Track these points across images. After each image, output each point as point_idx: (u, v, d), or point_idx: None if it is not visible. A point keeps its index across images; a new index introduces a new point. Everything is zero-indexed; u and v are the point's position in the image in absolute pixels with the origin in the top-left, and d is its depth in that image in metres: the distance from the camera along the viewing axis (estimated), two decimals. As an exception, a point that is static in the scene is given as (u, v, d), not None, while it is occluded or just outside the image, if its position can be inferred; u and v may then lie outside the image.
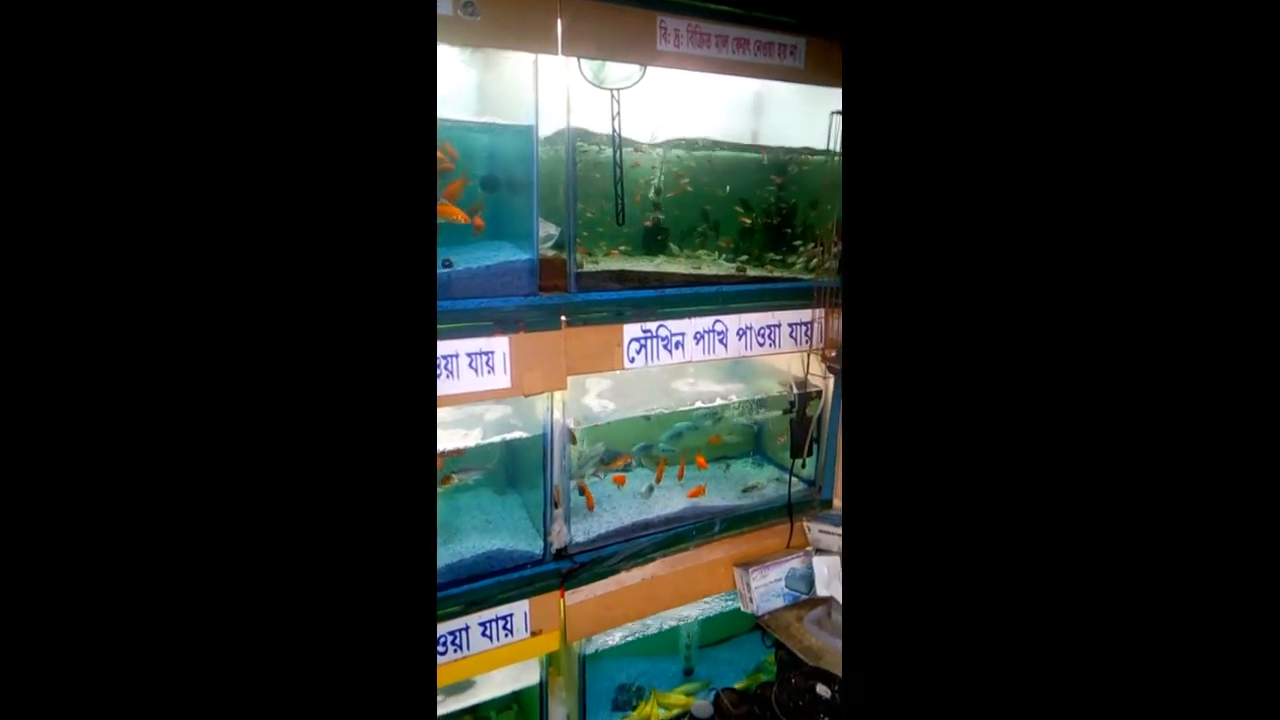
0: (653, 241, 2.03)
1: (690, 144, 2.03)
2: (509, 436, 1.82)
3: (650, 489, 2.18)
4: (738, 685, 2.20)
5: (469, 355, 1.57)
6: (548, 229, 1.70)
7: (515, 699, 2.24)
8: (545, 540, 1.86)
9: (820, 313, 2.01)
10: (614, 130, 1.71)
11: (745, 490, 2.25)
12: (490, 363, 1.59)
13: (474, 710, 2.16)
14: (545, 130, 1.62)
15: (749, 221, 2.14)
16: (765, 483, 2.31)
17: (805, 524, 2.20)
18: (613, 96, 1.68)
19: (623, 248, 1.94)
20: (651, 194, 2.00)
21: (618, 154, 1.73)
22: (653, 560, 2.02)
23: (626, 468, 2.23)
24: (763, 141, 2.17)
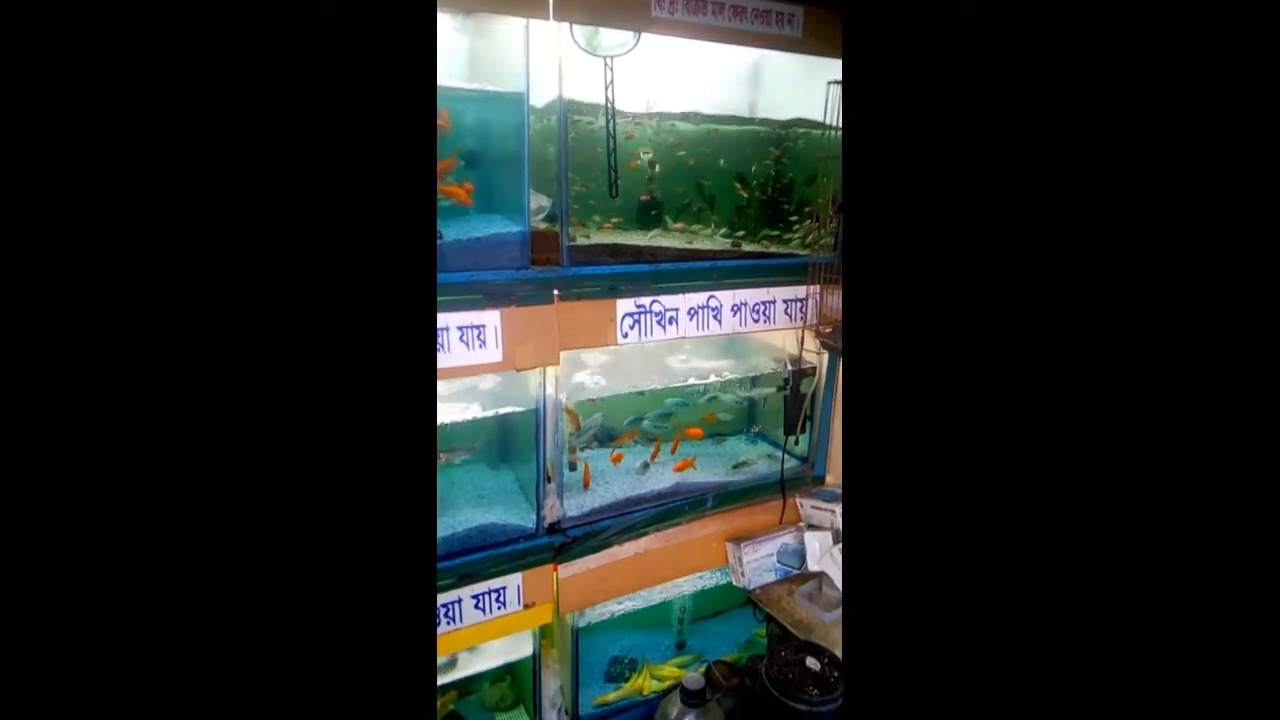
0: (647, 215, 2.00)
1: (686, 116, 2.00)
2: (501, 411, 1.82)
3: (645, 465, 2.18)
4: (729, 658, 2.23)
5: (460, 329, 1.55)
6: (539, 201, 1.68)
7: (509, 670, 2.27)
8: (538, 515, 1.86)
9: (815, 289, 1.99)
10: (607, 100, 1.67)
11: (735, 466, 2.26)
12: (481, 336, 1.58)
13: (468, 681, 2.19)
14: (537, 99, 1.59)
15: (746, 195, 2.11)
16: (756, 459, 2.32)
17: (798, 500, 2.22)
18: (606, 64, 1.64)
19: (616, 221, 1.91)
20: (646, 167, 1.97)
21: (611, 124, 1.70)
22: (645, 535, 2.03)
23: (630, 445, 2.24)
24: (760, 114, 2.13)
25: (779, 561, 2.10)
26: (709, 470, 2.24)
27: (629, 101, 1.79)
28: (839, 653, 1.64)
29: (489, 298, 1.58)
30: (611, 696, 2.23)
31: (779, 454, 2.25)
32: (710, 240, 2.05)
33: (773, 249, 2.11)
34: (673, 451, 2.26)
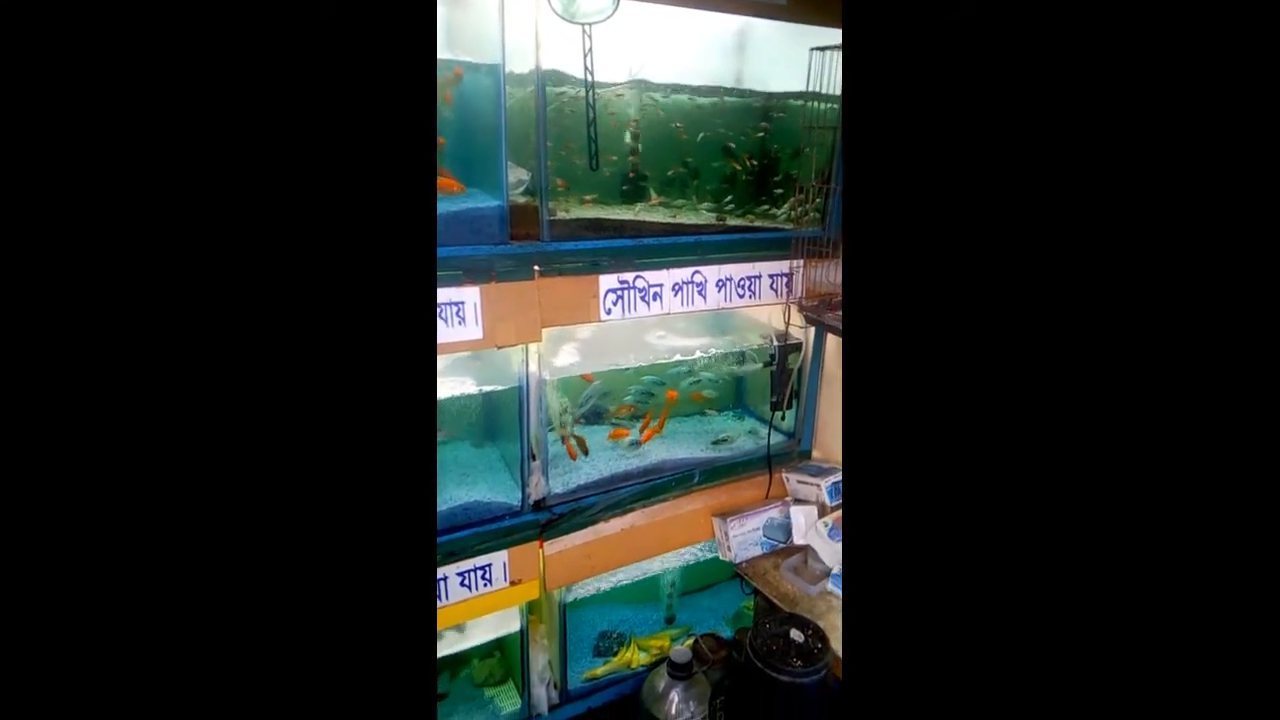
0: (629, 189, 1.97)
1: (668, 87, 1.96)
2: (484, 389, 1.80)
3: (635, 444, 2.18)
4: (717, 632, 2.25)
5: (440, 305, 1.53)
6: (518, 174, 1.64)
7: (497, 646, 2.29)
8: (523, 492, 1.86)
9: (800, 263, 1.97)
10: (586, 69, 1.63)
11: (715, 442, 2.26)
12: (461, 313, 1.56)
13: (456, 658, 2.21)
14: (513, 69, 1.55)
15: (739, 167, 2.07)
16: (736, 435, 2.32)
17: (784, 475, 2.22)
18: (584, 32, 1.60)
19: (596, 196, 1.88)
20: (628, 139, 1.93)
21: (590, 94, 1.66)
22: (632, 511, 2.04)
23: (629, 418, 2.24)
24: (745, 85, 2.09)
25: (765, 535, 2.11)
26: (696, 446, 2.25)
27: (610, 72, 1.74)
28: (823, 625, 1.66)
29: (468, 274, 1.55)
30: (600, 671, 2.25)
31: (764, 430, 2.25)
32: (695, 214, 2.02)
33: (758, 223, 2.08)
34: (658, 429, 2.25)
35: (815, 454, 2.38)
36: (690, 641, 2.07)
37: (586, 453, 2.07)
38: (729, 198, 2.08)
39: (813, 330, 2.25)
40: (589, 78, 1.65)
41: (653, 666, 2.09)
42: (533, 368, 1.78)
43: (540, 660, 2.11)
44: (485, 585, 1.82)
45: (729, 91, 2.06)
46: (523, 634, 2.03)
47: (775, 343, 2.17)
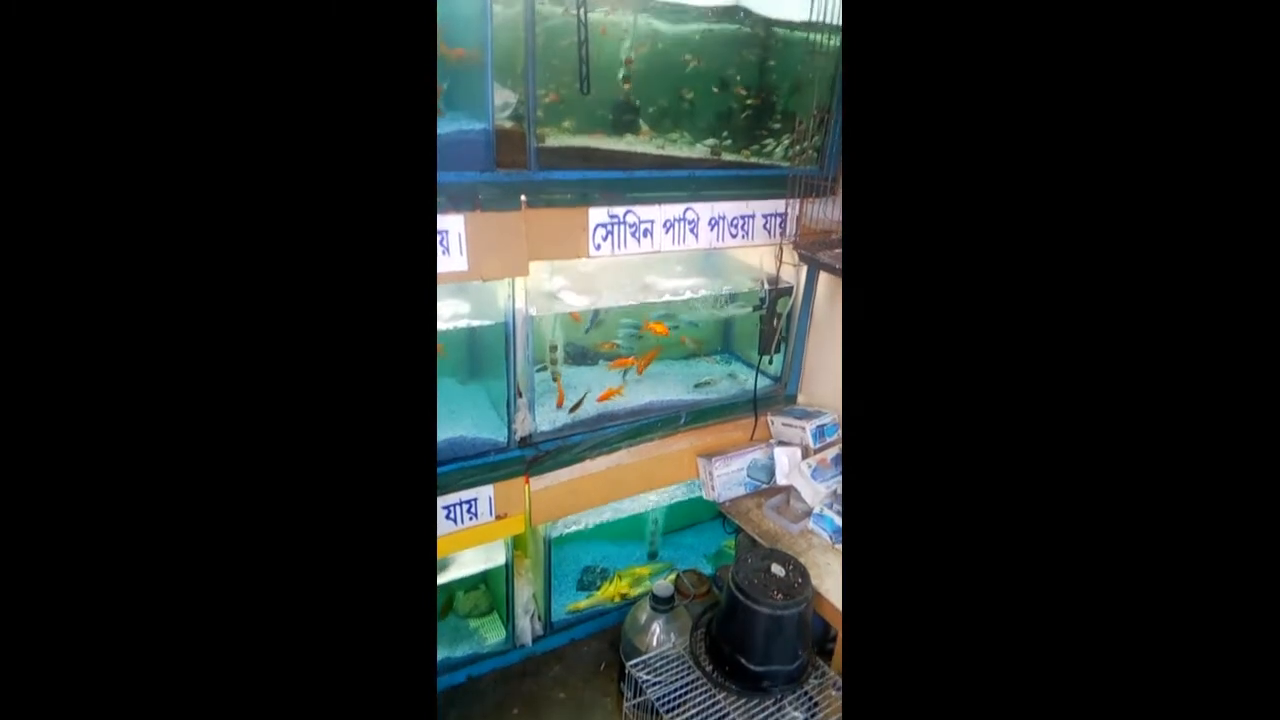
0: (622, 118, 1.89)
1: (664, 9, 1.85)
2: (469, 324, 1.76)
3: (622, 381, 2.17)
4: (698, 569, 2.31)
5: (422, 234, 1.47)
6: (505, 97, 1.56)
7: (483, 579, 2.33)
8: (509, 429, 1.85)
9: (795, 203, 1.92)
10: (578, -16, 1.53)
11: (697, 385, 2.26)
12: (445, 243, 1.50)
13: (443, 589, 2.24)
14: (500, -20, 1.44)
15: (743, 94, 1.98)
16: (718, 378, 2.33)
17: (769, 418, 2.24)
18: (577, -58, 1.49)
19: (585, 124, 1.80)
20: (621, 65, 1.83)
21: (582, 11, 1.56)
22: (618, 450, 2.05)
23: (611, 355, 2.22)
24: (744, 5, 1.98)
25: (749, 476, 2.14)
26: (682, 389, 2.24)
27: (603, -10, 1.64)
28: (803, 561, 1.69)
29: (452, 201, 1.49)
30: (583, 604, 2.31)
31: (745, 374, 2.25)
32: (689, 147, 1.95)
33: (753, 159, 2.02)
34: (640, 370, 2.24)
35: (801, 399, 2.39)
36: (673, 576, 2.12)
37: (561, 403, 2.05)
38: (725, 133, 2.00)
39: (804, 275, 2.22)
40: (581, -7, 1.55)
41: (635, 600, 2.14)
42: (519, 303, 1.74)
43: (525, 593, 2.15)
44: (471, 519, 1.83)
45: (727, 13, 1.95)
46: (508, 567, 2.06)
47: (766, 286, 2.14)
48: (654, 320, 2.20)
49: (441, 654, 2.10)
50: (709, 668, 1.64)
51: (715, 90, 1.98)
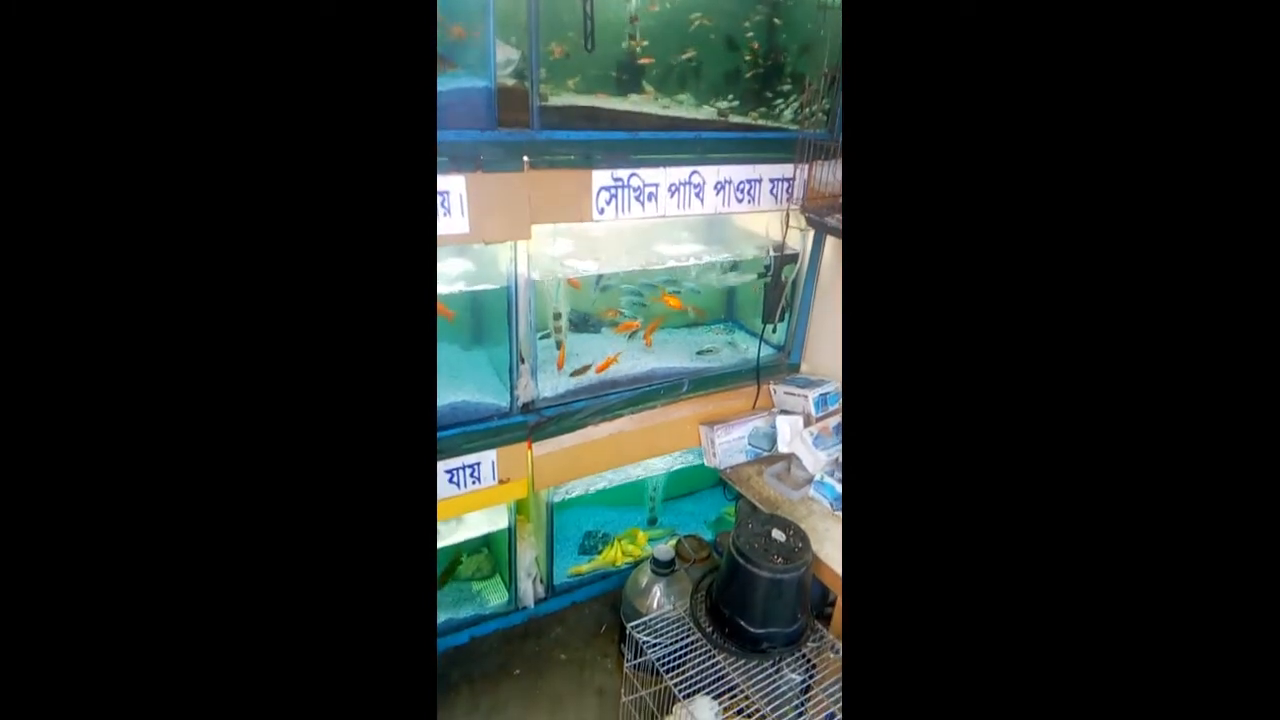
0: (627, 77, 1.84)
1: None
2: (471, 288, 1.74)
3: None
4: (698, 535, 2.33)
5: (423, 195, 1.44)
6: (507, 53, 1.51)
7: (486, 542, 2.35)
8: (512, 394, 1.85)
9: (804, 167, 1.88)
10: (583, -67, 1.47)
11: (699, 353, 2.25)
12: (446, 204, 1.48)
13: (447, 552, 2.27)
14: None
15: (753, 53, 1.93)
16: (720, 346, 2.32)
17: (771, 386, 2.23)
18: (582, -113, 1.43)
19: (588, 83, 1.75)
20: (627, 22, 1.78)
21: (587, -37, 1.50)
22: (621, 416, 2.05)
23: (613, 322, 2.20)
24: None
25: (750, 444, 2.14)
26: (685, 357, 2.24)
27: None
28: (804, 527, 1.71)
29: (453, 161, 1.46)
30: (585, 568, 2.34)
31: (746, 342, 2.24)
32: (695, 109, 1.90)
33: (761, 122, 1.97)
34: (647, 341, 2.23)
35: (805, 368, 2.38)
36: (674, 541, 2.14)
37: (561, 365, 2.04)
38: (732, 94, 1.95)
39: (810, 242, 2.19)
40: (586, -57, 1.49)
41: (636, 565, 2.17)
42: (521, 268, 1.72)
43: (527, 556, 2.18)
44: (474, 483, 1.84)
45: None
46: (510, 531, 2.08)
47: (771, 253, 2.11)
48: (669, 293, 2.18)
49: (444, 616, 2.13)
50: (709, 629, 1.66)
51: (723, 48, 1.92)
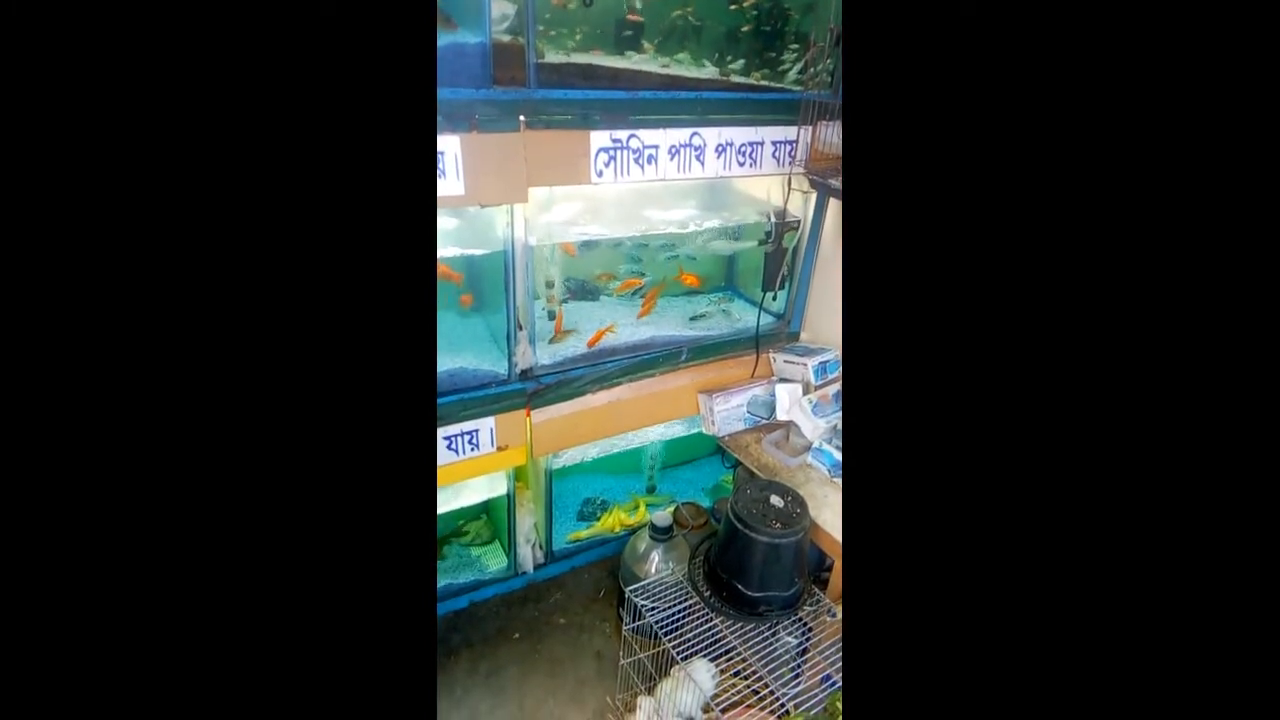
0: (626, 34, 1.78)
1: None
2: (468, 252, 1.71)
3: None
4: (696, 502, 2.34)
5: (416, 155, 1.41)
6: (503, 8, 1.46)
7: (485, 509, 2.37)
8: (510, 361, 1.83)
9: (806, 130, 1.84)
10: (581, -123, 1.41)
11: (692, 319, 2.24)
12: (441, 165, 1.44)
13: (447, 518, 2.28)
14: None
15: (756, 10, 1.86)
16: (712, 311, 2.30)
17: (770, 354, 2.22)
18: None
19: (586, 40, 1.69)
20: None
21: (585, -90, 1.44)
22: (619, 384, 2.04)
23: (607, 285, 2.18)
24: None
25: (749, 412, 2.14)
26: (683, 325, 2.22)
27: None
28: (802, 494, 1.71)
29: (447, 120, 1.42)
30: (583, 534, 2.36)
31: (741, 310, 2.22)
32: (696, 68, 1.85)
33: (764, 82, 1.92)
34: (644, 311, 2.20)
35: (805, 336, 2.37)
36: (672, 507, 2.15)
37: (559, 331, 2.01)
38: (732, 55, 1.90)
39: (812, 209, 2.15)
40: (584, -111, 1.43)
41: (634, 531, 2.19)
42: (519, 232, 1.69)
43: (526, 523, 2.19)
44: (472, 450, 1.83)
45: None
46: (510, 498, 2.09)
47: (772, 219, 2.08)
48: (685, 272, 2.15)
49: (444, 580, 2.15)
50: (707, 593, 1.68)
51: (725, 5, 1.86)
